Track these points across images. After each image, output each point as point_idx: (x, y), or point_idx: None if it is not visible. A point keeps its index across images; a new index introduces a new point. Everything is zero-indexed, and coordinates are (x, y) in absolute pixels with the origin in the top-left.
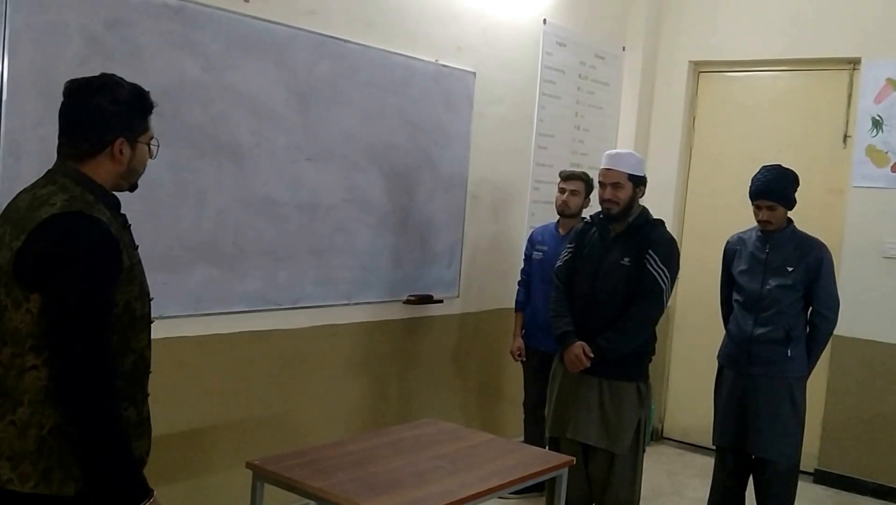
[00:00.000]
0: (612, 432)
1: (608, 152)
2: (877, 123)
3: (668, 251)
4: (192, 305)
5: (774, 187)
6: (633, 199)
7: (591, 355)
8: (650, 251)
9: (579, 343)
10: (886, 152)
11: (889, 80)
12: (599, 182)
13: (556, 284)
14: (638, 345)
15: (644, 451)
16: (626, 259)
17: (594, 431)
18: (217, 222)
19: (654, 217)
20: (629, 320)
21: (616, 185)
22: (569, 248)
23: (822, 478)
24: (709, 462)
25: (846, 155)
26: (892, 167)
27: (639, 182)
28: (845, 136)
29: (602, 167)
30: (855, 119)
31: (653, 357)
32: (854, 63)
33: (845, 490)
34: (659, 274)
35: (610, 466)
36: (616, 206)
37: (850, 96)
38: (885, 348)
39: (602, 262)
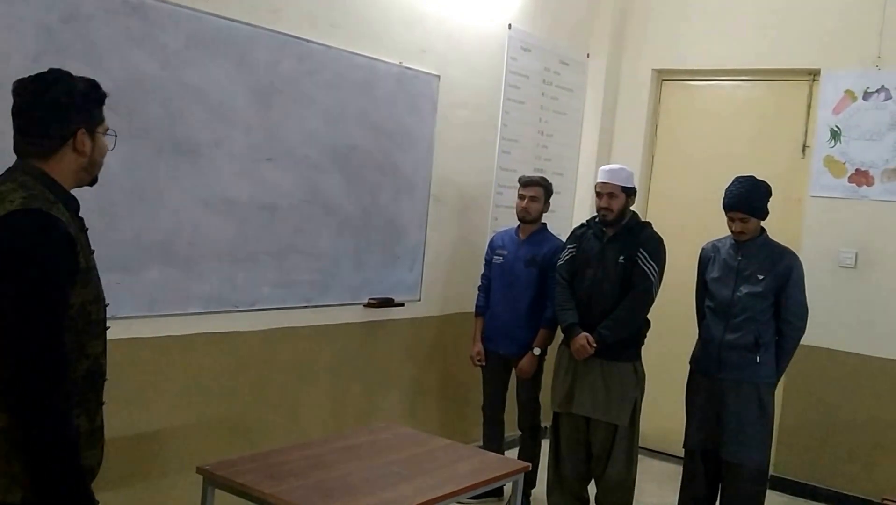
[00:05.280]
0: (613, 406)
1: (604, 167)
2: (835, 134)
3: (656, 249)
4: (146, 306)
5: (747, 200)
6: (626, 206)
7: (595, 344)
8: (641, 249)
9: (584, 334)
10: (844, 163)
11: (848, 91)
12: (597, 192)
13: (559, 281)
14: (633, 330)
15: (638, 430)
16: (622, 258)
17: (597, 405)
18: (174, 222)
19: (643, 220)
20: (625, 310)
21: (611, 196)
22: (570, 248)
23: (777, 484)
24: (667, 468)
25: (804, 165)
26: (849, 178)
27: (630, 193)
28: (804, 146)
29: (599, 180)
30: (814, 129)
31: (645, 339)
32: (814, 74)
33: (800, 497)
34: (648, 269)
35: (612, 440)
36: (611, 213)
37: (809, 107)
38: (839, 357)
39: (600, 260)
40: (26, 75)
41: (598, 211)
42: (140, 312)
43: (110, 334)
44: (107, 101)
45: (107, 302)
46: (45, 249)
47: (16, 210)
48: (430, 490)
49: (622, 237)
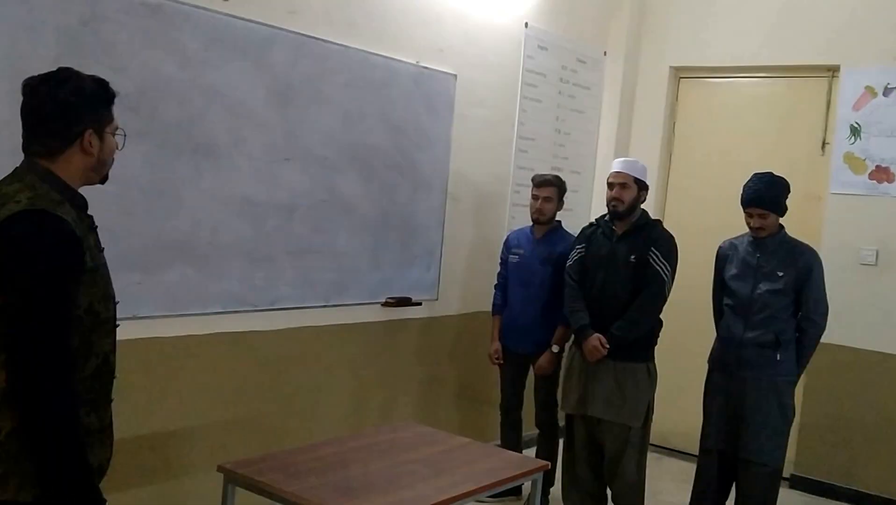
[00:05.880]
0: (626, 407)
1: (618, 159)
2: (855, 131)
3: (669, 247)
4: (166, 306)
5: (765, 196)
6: (637, 200)
7: (608, 346)
8: (653, 248)
9: (596, 335)
10: (864, 159)
11: (868, 87)
12: (609, 182)
13: (569, 281)
14: (646, 330)
15: (649, 431)
16: (633, 256)
17: (609, 406)
18: (193, 222)
19: (653, 218)
20: (637, 310)
21: (623, 186)
22: (579, 248)
23: (797, 483)
24: (686, 466)
25: (824, 162)
26: (869, 174)
27: (643, 187)
28: (824, 143)
29: (612, 170)
30: (833, 126)
31: (657, 340)
32: (833, 70)
33: (821, 495)
34: (661, 268)
35: (625, 441)
36: (622, 203)
37: (828, 103)
38: (860, 354)
39: (611, 259)
40: (34, 75)
41: (608, 203)
42: (160, 311)
43: (130, 334)
44: (127, 102)
45: (117, 300)
46: (50, 249)
47: (22, 210)
48: (449, 489)
49: (632, 236)
